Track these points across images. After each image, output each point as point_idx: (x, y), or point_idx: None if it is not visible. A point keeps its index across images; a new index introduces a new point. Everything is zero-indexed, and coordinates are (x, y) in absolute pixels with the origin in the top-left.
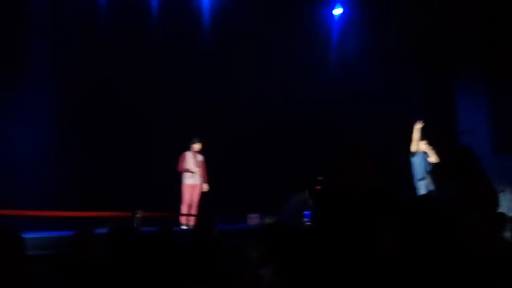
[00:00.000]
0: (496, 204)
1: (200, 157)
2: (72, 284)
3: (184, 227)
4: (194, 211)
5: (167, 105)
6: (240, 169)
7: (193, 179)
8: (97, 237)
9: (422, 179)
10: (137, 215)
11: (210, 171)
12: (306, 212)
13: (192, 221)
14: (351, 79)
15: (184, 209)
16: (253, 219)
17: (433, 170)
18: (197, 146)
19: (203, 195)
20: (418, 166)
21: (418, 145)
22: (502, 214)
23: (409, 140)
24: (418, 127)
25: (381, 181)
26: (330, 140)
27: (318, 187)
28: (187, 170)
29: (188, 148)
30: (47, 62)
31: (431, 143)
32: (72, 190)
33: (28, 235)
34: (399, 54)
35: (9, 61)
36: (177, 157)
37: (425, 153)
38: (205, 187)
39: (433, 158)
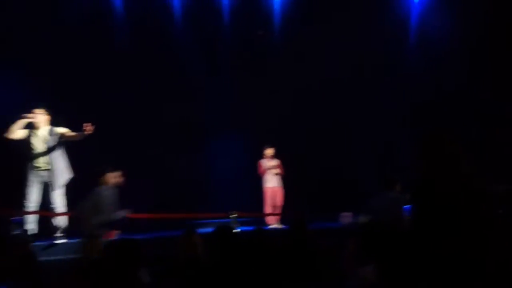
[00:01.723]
0: None
1: (274, 162)
2: (181, 283)
3: (271, 227)
4: (278, 211)
5: (248, 107)
6: (330, 167)
7: (272, 183)
8: (201, 237)
9: None
10: (233, 216)
11: (300, 170)
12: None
13: (277, 221)
14: (431, 64)
15: (267, 211)
16: (346, 217)
17: None
18: (269, 152)
19: (293, 195)
20: None
21: None
22: None
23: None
24: None
25: (474, 171)
26: (418, 130)
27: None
28: (265, 174)
29: (262, 156)
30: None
31: None
32: (169, 193)
33: (140, 237)
34: (483, 39)
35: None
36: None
37: None
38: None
39: None
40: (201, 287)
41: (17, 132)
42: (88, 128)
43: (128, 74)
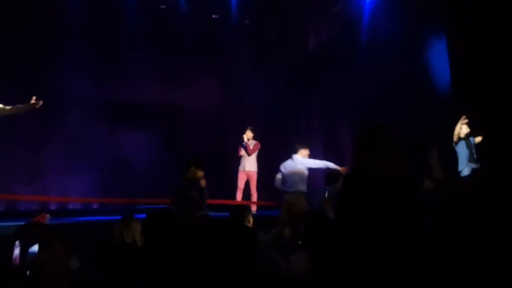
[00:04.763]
0: None
1: (252, 143)
2: (115, 269)
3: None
4: (254, 197)
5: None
6: None
7: (242, 166)
8: (139, 223)
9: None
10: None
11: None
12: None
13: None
14: (382, 63)
15: (238, 195)
16: None
17: None
18: (249, 134)
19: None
20: (462, 155)
21: (459, 134)
22: None
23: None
24: (463, 122)
25: (408, 172)
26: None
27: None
28: (240, 156)
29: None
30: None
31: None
32: (112, 179)
33: (76, 220)
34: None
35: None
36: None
37: (469, 137)
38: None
39: (479, 138)
40: (134, 273)
41: None
42: (36, 101)
43: None
